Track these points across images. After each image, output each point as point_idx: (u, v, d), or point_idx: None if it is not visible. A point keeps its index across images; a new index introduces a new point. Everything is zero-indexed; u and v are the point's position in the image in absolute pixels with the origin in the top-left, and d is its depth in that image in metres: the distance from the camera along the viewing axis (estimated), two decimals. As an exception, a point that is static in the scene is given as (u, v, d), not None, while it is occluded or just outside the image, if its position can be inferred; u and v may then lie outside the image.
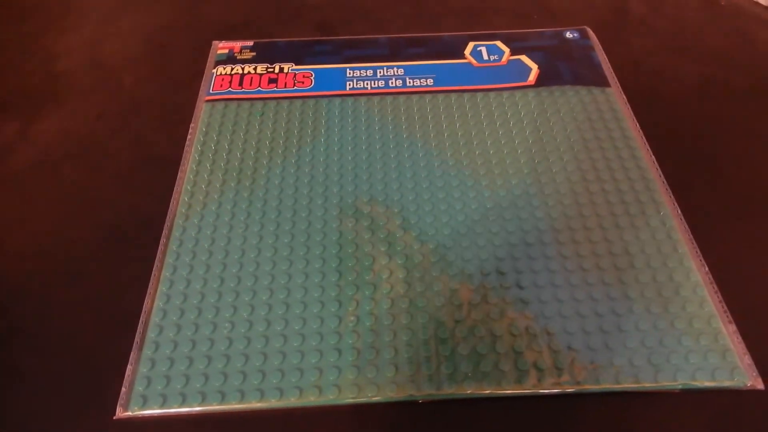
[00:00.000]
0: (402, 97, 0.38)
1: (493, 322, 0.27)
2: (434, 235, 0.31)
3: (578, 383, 0.26)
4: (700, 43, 0.43)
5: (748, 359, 0.27)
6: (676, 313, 0.28)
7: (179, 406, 0.25)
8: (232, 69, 0.40)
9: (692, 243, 0.30)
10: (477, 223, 0.31)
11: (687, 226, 0.31)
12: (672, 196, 0.32)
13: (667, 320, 0.27)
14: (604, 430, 0.25)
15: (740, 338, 0.27)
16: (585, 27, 0.43)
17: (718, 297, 0.28)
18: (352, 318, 0.28)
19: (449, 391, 0.25)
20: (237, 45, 0.42)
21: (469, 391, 0.25)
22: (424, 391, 0.25)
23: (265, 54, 0.41)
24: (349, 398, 0.25)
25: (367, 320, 0.28)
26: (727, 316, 0.28)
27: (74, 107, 0.39)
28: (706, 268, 0.29)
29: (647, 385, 0.26)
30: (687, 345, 0.27)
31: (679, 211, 0.32)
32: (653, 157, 0.34)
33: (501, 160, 0.34)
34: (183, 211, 0.32)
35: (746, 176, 0.34)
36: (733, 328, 0.27)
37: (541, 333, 0.27)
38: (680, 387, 0.26)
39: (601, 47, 0.41)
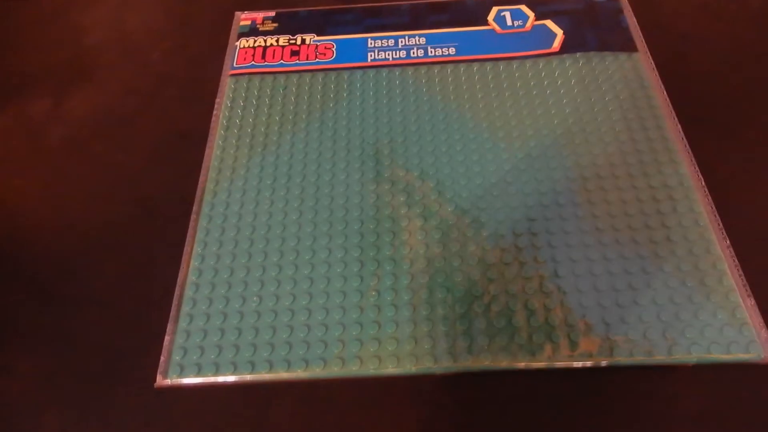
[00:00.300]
0: (423, 68, 0.38)
1: (510, 298, 0.28)
2: (457, 204, 0.31)
3: (592, 356, 0.26)
4: (735, 5, 0.41)
5: (765, 333, 0.27)
6: (694, 287, 0.28)
7: (213, 375, 0.27)
8: (255, 41, 0.40)
9: (715, 216, 0.30)
10: (495, 194, 0.32)
11: (711, 200, 0.31)
12: (697, 169, 0.32)
13: (684, 294, 0.28)
14: (618, 403, 0.26)
15: (758, 312, 0.27)
16: (615, -13, 0.41)
17: (738, 271, 0.28)
18: (373, 293, 0.29)
19: (466, 363, 0.27)
20: (259, 16, 0.42)
21: (486, 363, 0.27)
22: (443, 364, 0.27)
23: (287, 25, 0.41)
24: (371, 370, 0.27)
25: (388, 295, 0.29)
26: (747, 290, 0.28)
27: (103, 83, 0.40)
28: (728, 242, 0.29)
29: (661, 358, 0.26)
30: (703, 319, 0.27)
31: (704, 184, 0.31)
32: (679, 126, 0.34)
33: (523, 130, 0.34)
34: (211, 187, 0.34)
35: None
36: (751, 302, 0.28)
37: (556, 306, 0.28)
38: (695, 361, 0.26)
39: (630, 9, 0.40)
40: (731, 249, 0.29)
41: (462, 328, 0.27)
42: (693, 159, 0.32)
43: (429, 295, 0.29)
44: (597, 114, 0.35)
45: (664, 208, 0.31)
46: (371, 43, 0.40)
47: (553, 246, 0.30)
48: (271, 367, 0.27)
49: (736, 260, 0.29)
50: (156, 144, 0.37)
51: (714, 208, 0.30)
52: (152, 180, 0.35)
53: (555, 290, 0.28)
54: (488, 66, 0.38)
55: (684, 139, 0.33)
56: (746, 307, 0.27)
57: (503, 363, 0.26)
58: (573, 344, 0.27)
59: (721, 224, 0.30)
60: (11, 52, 0.43)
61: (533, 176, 0.32)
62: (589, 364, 0.26)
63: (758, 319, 0.27)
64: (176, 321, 0.29)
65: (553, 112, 0.35)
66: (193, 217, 0.32)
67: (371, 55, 0.39)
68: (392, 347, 0.27)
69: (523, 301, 0.28)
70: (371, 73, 0.38)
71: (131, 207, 0.34)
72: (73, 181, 0.36)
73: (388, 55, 0.39)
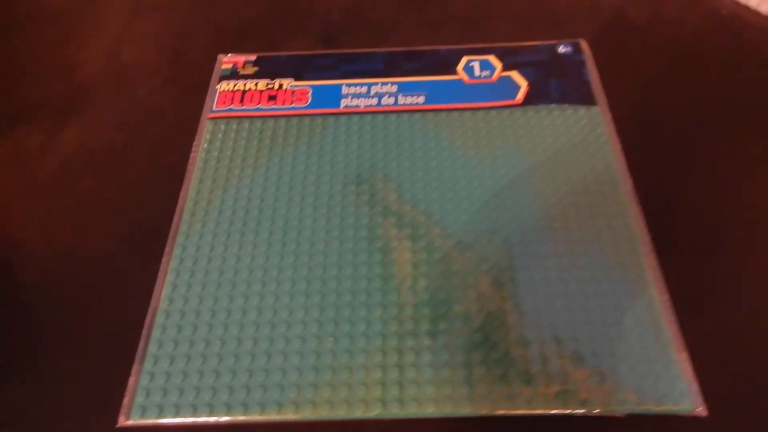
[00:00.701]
0: (393, 115, 0.40)
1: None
2: (435, 248, 0.33)
3: (530, 405, 0.28)
4: (696, 56, 0.42)
5: (696, 386, 0.28)
6: (630, 340, 0.29)
7: (174, 417, 0.29)
8: (235, 85, 0.42)
9: (657, 273, 0.32)
10: (466, 243, 0.33)
11: (655, 254, 0.32)
12: (644, 222, 0.34)
13: (621, 345, 0.29)
14: (553, 451, 0.28)
15: (690, 366, 0.29)
16: (579, 40, 0.43)
17: (674, 326, 0.30)
18: (330, 339, 0.30)
19: (409, 411, 0.28)
20: (240, 59, 0.44)
21: (428, 411, 0.28)
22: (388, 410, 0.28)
23: (266, 69, 0.43)
24: (323, 415, 0.28)
25: (345, 342, 0.30)
26: (681, 344, 0.29)
27: (94, 117, 0.42)
28: (667, 296, 0.31)
29: (594, 408, 0.28)
30: (638, 371, 0.29)
31: (650, 239, 0.33)
32: (631, 180, 0.35)
33: (482, 181, 0.36)
34: (184, 228, 0.35)
35: (722, 208, 0.35)
36: (685, 356, 0.29)
37: (493, 359, 0.29)
38: (628, 411, 0.28)
39: (593, 62, 0.42)
40: (670, 303, 0.31)
41: (396, 379, 0.29)
42: (641, 213, 0.34)
43: (398, 342, 0.30)
44: (554, 167, 0.36)
45: (610, 262, 0.32)
46: (345, 90, 0.42)
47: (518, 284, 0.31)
48: (228, 410, 0.29)
49: (674, 315, 0.30)
50: (140, 180, 0.39)
51: (657, 264, 0.32)
52: (133, 216, 0.37)
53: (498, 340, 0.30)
54: (455, 115, 0.40)
55: (635, 194, 0.35)
56: (679, 360, 0.29)
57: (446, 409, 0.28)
58: (510, 393, 0.28)
59: (662, 280, 0.31)
60: (8, 83, 0.45)
61: (499, 224, 0.34)
62: (520, 412, 0.28)
63: (689, 373, 0.29)
64: (142, 362, 0.30)
65: (513, 162, 0.37)
66: (164, 258, 0.34)
67: (344, 102, 0.41)
68: (344, 393, 0.29)
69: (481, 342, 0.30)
70: (343, 119, 0.40)
71: (110, 242, 0.36)
72: (59, 214, 0.37)
73: (361, 102, 0.41)
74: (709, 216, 0.35)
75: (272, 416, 0.28)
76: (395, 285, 0.32)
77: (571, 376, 0.29)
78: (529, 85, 0.41)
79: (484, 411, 0.28)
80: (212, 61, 0.44)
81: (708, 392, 0.28)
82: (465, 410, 0.28)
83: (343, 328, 0.31)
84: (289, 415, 0.28)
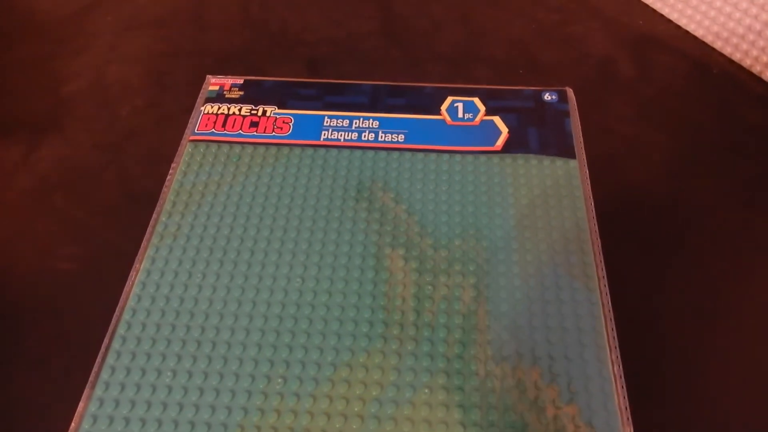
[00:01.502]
0: (371, 152, 0.40)
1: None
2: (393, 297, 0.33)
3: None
4: (680, 114, 0.42)
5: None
6: (580, 407, 0.29)
7: (117, 448, 0.29)
8: (219, 108, 0.43)
9: (613, 339, 0.32)
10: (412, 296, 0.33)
11: (614, 325, 0.32)
12: (606, 288, 0.33)
13: (565, 415, 0.29)
14: None
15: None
16: (566, 89, 0.43)
17: (623, 399, 0.30)
18: (279, 380, 0.31)
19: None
20: (227, 82, 0.44)
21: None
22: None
23: (251, 94, 0.44)
24: (261, 458, 0.28)
25: (294, 384, 0.30)
26: (628, 419, 0.29)
27: (74, 135, 0.43)
28: (620, 366, 0.31)
29: None
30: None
31: (611, 309, 0.33)
32: (599, 242, 0.35)
33: (453, 234, 0.36)
34: (150, 254, 0.35)
35: (691, 277, 0.35)
36: (630, 430, 0.29)
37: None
38: None
39: (577, 112, 0.42)
40: (622, 378, 0.30)
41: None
42: (605, 277, 0.34)
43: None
44: (525, 217, 0.36)
45: (567, 323, 0.32)
46: (327, 122, 0.42)
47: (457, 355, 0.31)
48: (171, 446, 0.29)
49: (624, 385, 0.30)
50: (112, 202, 0.39)
51: (614, 331, 0.32)
52: (101, 238, 0.37)
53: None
54: (432, 156, 0.40)
55: (602, 260, 0.35)
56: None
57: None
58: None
59: (617, 346, 0.31)
60: (-7, 96, 0.45)
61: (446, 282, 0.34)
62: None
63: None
64: (93, 387, 0.31)
65: (483, 210, 0.37)
66: (128, 282, 0.34)
67: (325, 134, 0.41)
68: (289, 420, 0.29)
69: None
70: (322, 152, 0.40)
71: (75, 263, 0.36)
72: (29, 231, 0.38)
73: (341, 135, 0.41)
74: (671, 287, 0.35)
75: (212, 455, 0.28)
76: (360, 313, 0.32)
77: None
78: (509, 132, 0.41)
79: None
80: (198, 84, 0.44)
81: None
82: None
83: (294, 371, 0.31)
84: (230, 456, 0.28)
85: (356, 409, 0.30)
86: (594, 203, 0.37)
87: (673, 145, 0.41)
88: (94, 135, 0.43)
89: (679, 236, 0.36)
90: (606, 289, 0.33)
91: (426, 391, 0.30)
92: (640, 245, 0.36)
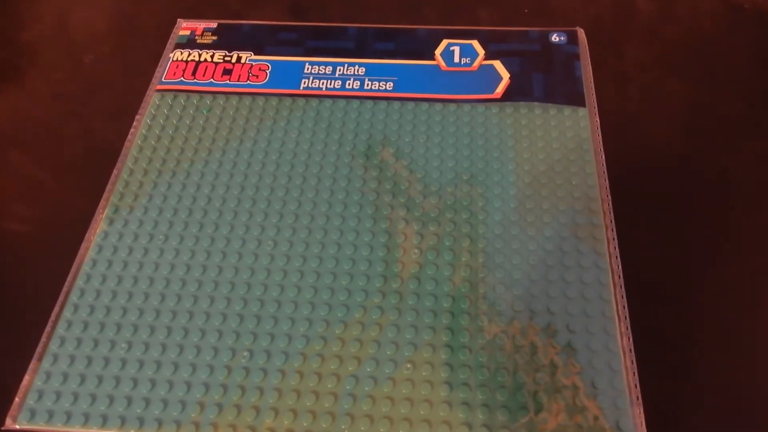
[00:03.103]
0: (356, 102, 0.36)
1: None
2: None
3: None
4: (706, 58, 0.37)
5: None
6: (584, 383, 0.26)
7: (63, 425, 0.26)
8: (189, 55, 0.39)
9: (623, 308, 0.28)
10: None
11: (623, 290, 0.28)
12: (617, 252, 0.29)
13: (569, 391, 0.26)
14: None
15: (644, 424, 0.25)
16: (576, 29, 0.38)
17: (633, 375, 0.26)
18: (245, 353, 0.27)
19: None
20: (200, 26, 0.40)
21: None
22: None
23: (226, 38, 0.39)
24: (221, 440, 0.25)
25: (261, 358, 0.27)
26: (637, 398, 0.26)
27: (32, 85, 0.39)
28: (631, 340, 0.27)
29: None
30: (582, 424, 0.25)
31: (620, 271, 0.29)
32: (609, 199, 0.31)
33: (446, 180, 0.32)
34: (109, 214, 0.32)
35: (710, 245, 0.31)
36: (639, 410, 0.25)
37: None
38: None
39: (588, 56, 0.37)
40: (632, 352, 0.27)
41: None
42: (615, 241, 0.30)
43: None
44: (527, 172, 0.32)
45: (570, 292, 0.28)
46: (308, 69, 0.38)
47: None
48: (122, 424, 0.26)
49: (634, 361, 0.26)
50: (71, 158, 0.36)
51: (624, 299, 0.28)
52: (57, 197, 0.34)
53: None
54: (424, 107, 0.36)
55: (612, 222, 0.30)
56: (632, 416, 0.25)
57: None
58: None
59: (627, 316, 0.28)
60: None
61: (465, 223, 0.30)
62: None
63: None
64: (40, 359, 0.28)
65: (481, 165, 0.33)
66: (83, 245, 0.31)
67: (305, 83, 0.37)
68: (250, 418, 0.26)
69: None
70: (300, 102, 0.36)
71: (28, 224, 0.33)
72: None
73: (323, 84, 0.37)
74: (686, 255, 0.30)
75: (167, 436, 0.26)
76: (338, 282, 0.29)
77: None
78: (511, 78, 0.36)
79: None
80: (168, 30, 0.40)
81: None
82: None
83: (261, 343, 0.28)
84: (186, 436, 0.25)
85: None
86: (605, 159, 0.33)
87: (696, 95, 0.36)
88: (55, 85, 0.39)
89: (699, 199, 0.32)
90: (616, 253, 0.29)
91: (413, 348, 0.27)
92: (656, 207, 0.32)
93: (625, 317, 0.27)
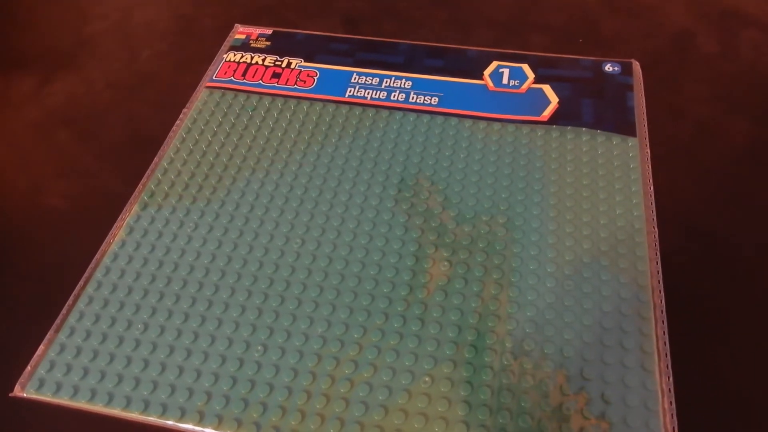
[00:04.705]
0: (399, 114, 0.36)
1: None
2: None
3: None
4: (758, 95, 0.36)
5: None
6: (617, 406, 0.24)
7: (69, 399, 0.25)
8: (242, 57, 0.39)
9: (665, 344, 0.26)
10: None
11: (665, 325, 0.26)
12: (662, 291, 0.27)
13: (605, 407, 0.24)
14: None
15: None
16: (631, 61, 0.37)
17: (671, 408, 0.24)
18: (260, 347, 0.27)
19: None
20: (255, 32, 0.41)
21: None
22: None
23: (279, 45, 0.40)
24: (223, 433, 0.24)
25: (274, 354, 0.26)
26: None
27: (89, 73, 0.41)
28: (670, 377, 0.25)
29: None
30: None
31: (663, 308, 0.27)
32: (656, 231, 0.29)
33: (481, 198, 0.31)
34: (145, 198, 0.32)
35: (762, 284, 0.29)
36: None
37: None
38: None
39: (642, 88, 0.36)
40: (671, 386, 0.25)
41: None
42: (660, 275, 0.28)
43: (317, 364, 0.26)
44: (569, 197, 0.31)
45: (607, 322, 0.27)
46: (354, 78, 0.38)
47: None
48: (128, 404, 0.25)
49: (673, 401, 0.24)
50: (116, 143, 0.37)
51: (666, 335, 0.26)
52: (98, 179, 0.35)
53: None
54: (467, 123, 0.35)
55: (658, 255, 0.29)
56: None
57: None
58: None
59: (669, 354, 0.25)
60: (16, 28, 0.44)
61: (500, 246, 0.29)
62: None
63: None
64: (57, 330, 0.28)
65: (521, 186, 0.32)
66: (117, 224, 0.31)
67: (350, 91, 0.37)
68: (257, 414, 0.25)
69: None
70: (344, 109, 0.36)
71: (66, 201, 0.33)
72: (27, 163, 0.36)
73: (368, 93, 0.37)
74: (737, 307, 0.28)
75: (170, 422, 0.25)
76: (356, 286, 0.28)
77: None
78: (559, 102, 0.35)
79: None
80: (225, 33, 0.41)
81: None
82: None
83: (277, 338, 0.27)
84: (190, 425, 0.25)
85: (342, 391, 0.25)
86: (654, 191, 0.31)
87: (755, 132, 0.34)
88: (110, 75, 0.40)
89: (753, 240, 0.30)
90: (660, 286, 0.27)
91: (427, 380, 0.25)
92: (706, 246, 0.30)
93: (666, 354, 0.25)
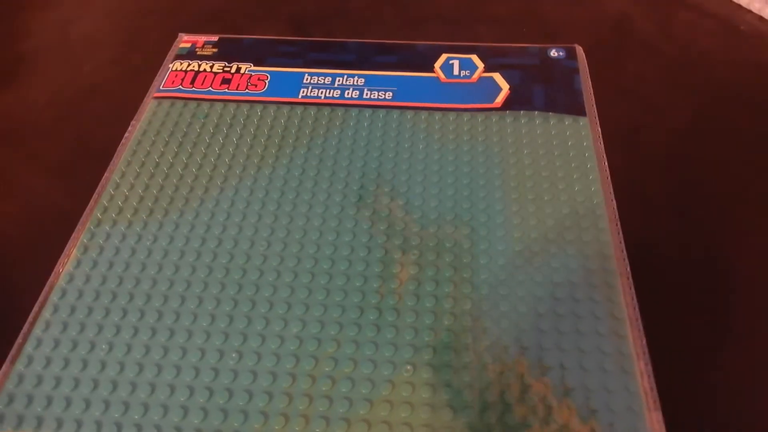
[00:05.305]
0: (354, 110, 0.36)
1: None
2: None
3: None
4: (705, 74, 0.38)
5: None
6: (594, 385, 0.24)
7: (34, 431, 0.24)
8: (189, 65, 0.38)
9: (634, 309, 0.26)
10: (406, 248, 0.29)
11: (633, 290, 0.27)
12: (624, 254, 0.28)
13: (582, 393, 0.24)
14: None
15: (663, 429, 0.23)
16: (575, 45, 0.39)
17: (648, 379, 0.25)
18: (234, 354, 0.26)
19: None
20: (201, 39, 0.40)
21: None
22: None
23: (227, 51, 0.39)
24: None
25: (250, 360, 0.25)
26: (655, 402, 0.24)
27: (28, 89, 0.39)
28: (643, 342, 0.26)
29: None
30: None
31: (628, 270, 0.28)
32: (614, 203, 0.30)
33: (444, 185, 0.31)
34: (98, 215, 0.31)
35: (721, 248, 0.30)
36: (658, 416, 0.24)
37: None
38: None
39: (587, 71, 0.37)
40: (645, 353, 0.25)
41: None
42: (622, 241, 0.29)
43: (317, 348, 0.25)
44: (529, 178, 0.32)
45: (578, 294, 0.27)
46: (307, 79, 0.37)
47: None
48: (99, 429, 0.24)
49: (649, 365, 0.25)
50: (61, 161, 0.35)
51: (634, 299, 0.27)
52: (44, 198, 0.33)
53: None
54: (423, 115, 0.35)
55: (616, 215, 0.30)
56: (650, 420, 0.23)
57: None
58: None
59: (638, 318, 0.26)
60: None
61: (462, 229, 0.29)
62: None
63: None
64: (14, 362, 0.26)
65: (481, 171, 0.32)
66: (69, 244, 0.30)
67: (303, 92, 0.37)
68: (238, 423, 0.24)
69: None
70: (299, 110, 0.36)
71: (10, 223, 0.32)
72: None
73: (321, 93, 0.37)
74: (698, 259, 0.29)
75: (146, 442, 0.23)
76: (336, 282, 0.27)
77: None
78: (510, 89, 0.36)
79: None
80: (170, 43, 0.40)
81: None
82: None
83: (251, 343, 0.26)
84: (168, 443, 0.23)
85: (320, 409, 0.25)
86: (608, 166, 0.32)
87: (698, 107, 0.36)
88: (51, 91, 0.38)
89: (707, 204, 0.31)
90: (624, 255, 0.28)
91: (409, 368, 0.25)
92: (659, 213, 0.31)
93: (644, 353, 0.26)
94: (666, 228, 0.31)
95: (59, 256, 0.29)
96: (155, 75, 0.38)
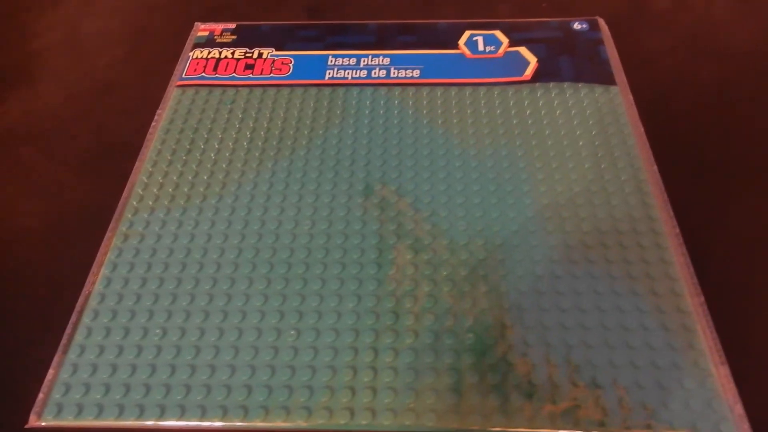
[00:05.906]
0: (383, 89, 0.35)
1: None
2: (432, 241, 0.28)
3: (529, 423, 0.23)
4: (725, 43, 0.38)
5: (739, 408, 0.23)
6: (658, 349, 0.24)
7: (95, 419, 0.23)
8: (209, 53, 0.38)
9: (688, 268, 0.27)
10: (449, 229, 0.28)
11: (685, 250, 0.27)
12: (672, 214, 0.28)
13: (646, 357, 0.24)
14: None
15: (732, 383, 0.23)
16: (596, 18, 0.39)
17: (711, 332, 0.25)
18: (292, 332, 0.25)
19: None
20: (218, 27, 0.40)
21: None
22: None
23: (245, 38, 0.39)
24: (283, 423, 0.23)
25: (309, 336, 0.25)
26: (720, 356, 0.24)
27: (44, 87, 0.38)
28: (701, 298, 0.26)
29: (614, 431, 0.22)
30: (667, 388, 0.23)
31: (678, 231, 0.28)
32: (655, 167, 0.30)
33: (482, 159, 0.31)
34: (134, 204, 0.30)
35: (762, 200, 0.30)
36: (725, 370, 0.24)
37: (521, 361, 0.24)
38: (654, 437, 0.22)
39: (612, 41, 0.37)
40: (704, 306, 0.25)
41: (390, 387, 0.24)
42: (668, 203, 0.29)
43: (374, 339, 0.25)
44: (566, 147, 0.32)
45: (630, 256, 0.27)
46: (331, 61, 0.37)
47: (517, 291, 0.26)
48: (162, 413, 0.23)
49: (710, 319, 0.25)
50: (86, 155, 0.34)
51: (688, 259, 0.27)
52: (73, 193, 0.32)
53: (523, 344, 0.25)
54: (453, 91, 0.35)
55: (660, 180, 0.30)
56: (718, 375, 0.24)
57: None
58: (535, 406, 0.23)
59: (694, 277, 0.26)
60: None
61: (501, 205, 0.29)
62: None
63: (732, 392, 0.23)
64: (65, 351, 0.25)
65: (518, 143, 0.32)
66: (108, 234, 0.29)
67: (329, 73, 0.36)
68: (303, 398, 0.23)
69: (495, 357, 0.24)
70: (327, 91, 0.35)
71: (44, 219, 0.31)
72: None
73: (348, 74, 0.36)
74: (744, 216, 0.30)
75: (215, 422, 0.23)
76: (376, 274, 0.27)
77: (580, 389, 0.23)
78: (538, 61, 0.36)
79: (475, 427, 0.23)
80: (184, 34, 0.39)
81: (756, 417, 0.23)
82: (451, 424, 0.23)
83: (307, 321, 0.26)
84: (236, 423, 0.23)
85: (386, 380, 0.24)
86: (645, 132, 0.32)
87: (720, 73, 0.36)
88: (68, 87, 0.37)
89: (741, 163, 0.32)
90: (672, 214, 0.28)
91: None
92: (700, 176, 0.31)
93: (693, 284, 0.26)
94: (710, 189, 0.31)
95: (96, 247, 0.29)
96: (169, 67, 0.38)
